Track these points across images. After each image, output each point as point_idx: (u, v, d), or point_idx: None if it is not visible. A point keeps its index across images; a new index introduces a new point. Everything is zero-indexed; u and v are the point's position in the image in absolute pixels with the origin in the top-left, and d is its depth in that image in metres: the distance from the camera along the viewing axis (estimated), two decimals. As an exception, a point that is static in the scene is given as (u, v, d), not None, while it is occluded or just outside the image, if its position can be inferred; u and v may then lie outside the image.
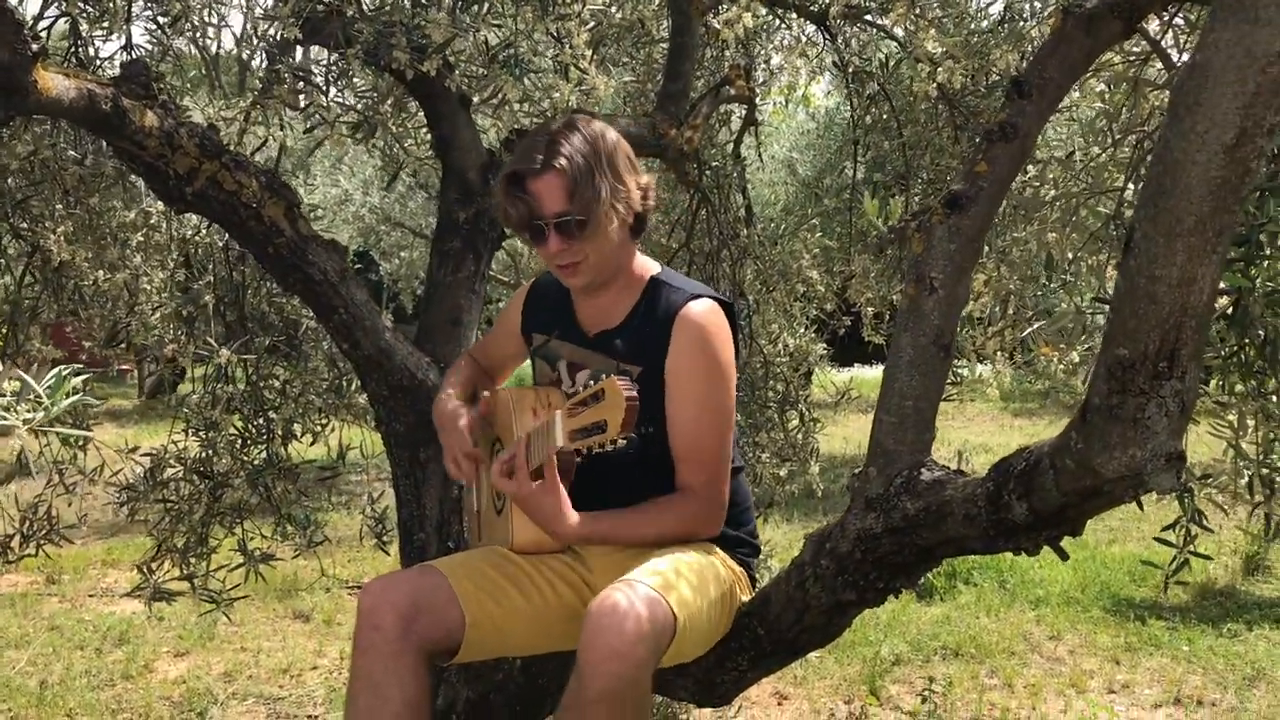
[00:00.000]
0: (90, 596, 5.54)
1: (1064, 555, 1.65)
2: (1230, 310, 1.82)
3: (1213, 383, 1.95)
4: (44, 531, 3.17)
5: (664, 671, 2.03)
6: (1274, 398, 1.94)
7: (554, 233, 1.89)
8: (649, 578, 1.73)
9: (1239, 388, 1.97)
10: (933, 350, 1.83)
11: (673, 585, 1.75)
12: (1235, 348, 1.88)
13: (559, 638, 1.98)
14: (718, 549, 2.03)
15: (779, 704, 4.06)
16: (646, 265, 2.05)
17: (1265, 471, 1.99)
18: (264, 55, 2.81)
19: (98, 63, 2.87)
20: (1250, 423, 1.98)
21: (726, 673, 2.09)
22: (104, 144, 3.03)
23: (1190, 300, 1.24)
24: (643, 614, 1.64)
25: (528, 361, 2.28)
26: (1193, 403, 1.31)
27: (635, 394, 1.64)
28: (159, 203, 3.34)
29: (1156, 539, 2.18)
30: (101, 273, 3.38)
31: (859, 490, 1.85)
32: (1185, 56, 2.00)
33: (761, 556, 2.32)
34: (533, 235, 1.92)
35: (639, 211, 1.97)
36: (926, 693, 3.89)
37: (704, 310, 1.94)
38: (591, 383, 1.73)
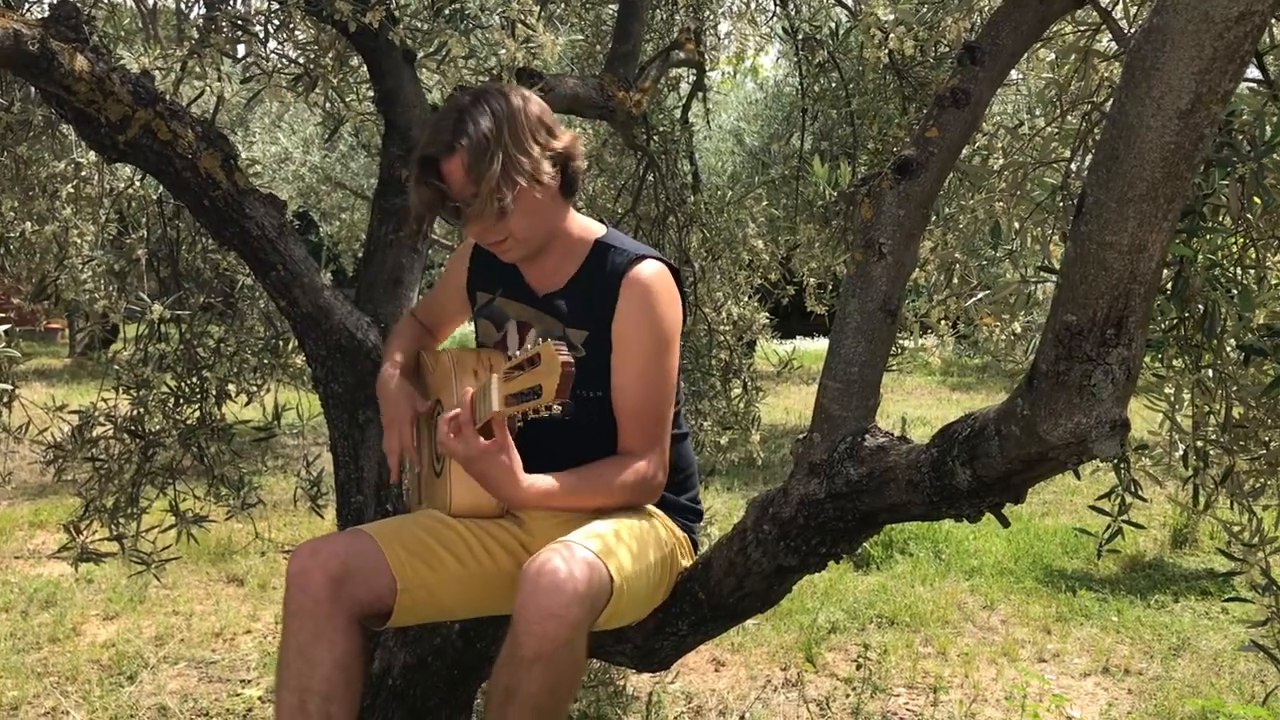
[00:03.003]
0: (16, 558, 5.42)
1: (1005, 522, 1.66)
2: (1171, 284, 1.83)
3: (1148, 356, 1.97)
4: (-33, 491, 3.08)
5: (603, 637, 2.02)
6: (1209, 372, 1.96)
7: (470, 213, 1.85)
8: (588, 540, 1.71)
9: (1176, 362, 1.98)
10: (880, 316, 1.82)
11: (611, 548, 1.73)
12: (1175, 321, 1.90)
13: (496, 603, 1.96)
14: (660, 514, 2.02)
15: (716, 670, 4.08)
16: (590, 227, 2.01)
17: (1199, 445, 2.02)
18: (201, 3, 2.73)
19: (26, 6, 2.76)
20: (1186, 396, 2.00)
21: (666, 638, 2.08)
22: (32, 91, 2.93)
23: (1140, 267, 1.24)
24: (579, 575, 1.62)
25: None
26: (1138, 370, 1.31)
27: (571, 360, 1.60)
28: (90, 154, 3.25)
29: (1092, 507, 2.21)
30: (29, 225, 3.29)
31: (803, 455, 1.84)
32: (1136, 28, 2.01)
33: (702, 523, 2.32)
34: (450, 217, 1.89)
35: (565, 174, 1.91)
36: (861, 660, 3.92)
37: (652, 272, 1.91)
38: (529, 346, 1.68)
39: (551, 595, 1.60)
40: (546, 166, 1.85)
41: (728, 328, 4.02)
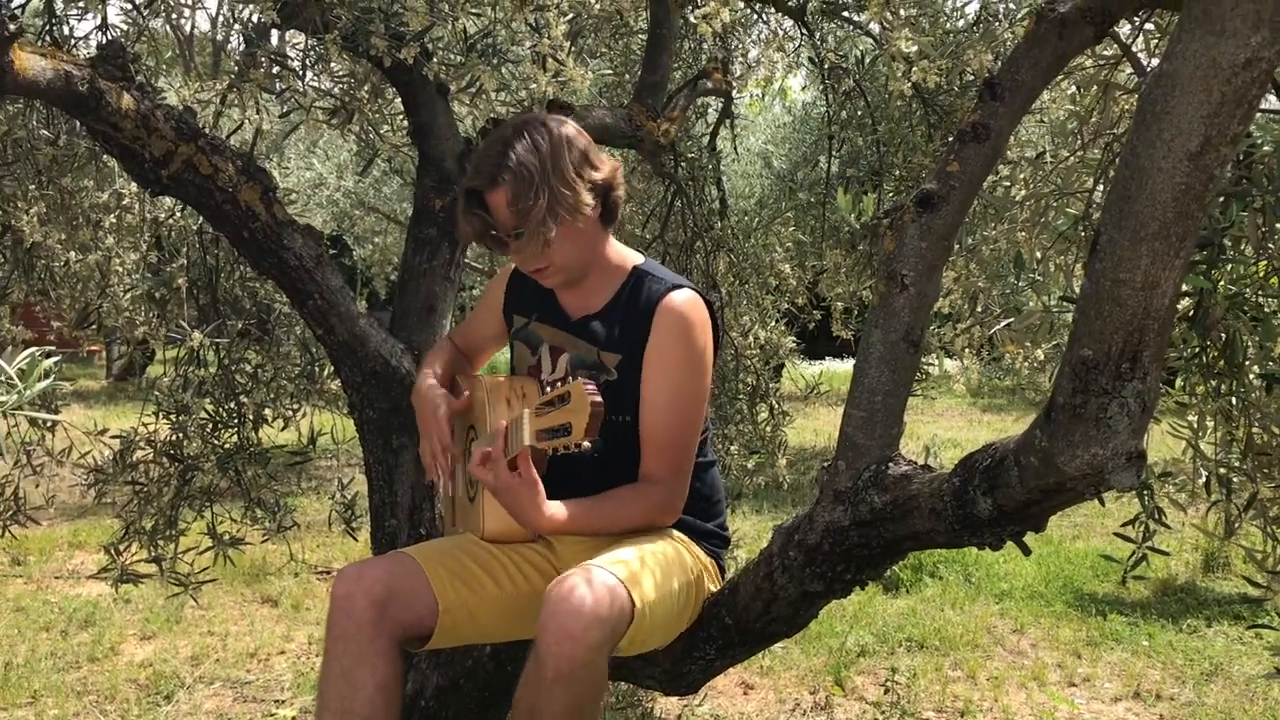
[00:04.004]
0: (56, 578, 5.51)
1: (1026, 550, 1.68)
2: (1192, 313, 1.86)
3: (1177, 383, 1.99)
4: (10, 513, 3.15)
5: (631, 660, 2.05)
6: (1232, 399, 1.98)
7: (515, 243, 1.91)
8: (611, 565, 1.75)
9: (1200, 389, 2.00)
10: (903, 346, 1.85)
11: (635, 573, 1.77)
12: (1197, 349, 1.92)
13: (530, 625, 1.99)
14: (687, 539, 2.05)
15: (745, 693, 4.10)
16: (627, 255, 2.07)
17: (1222, 471, 2.03)
18: (240, 38, 2.80)
19: (72, 42, 2.85)
20: (1209, 423, 2.02)
21: (694, 662, 2.11)
22: (77, 124, 3.01)
23: (1153, 303, 1.27)
24: (599, 598, 1.66)
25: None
26: (1154, 403, 1.34)
27: (601, 400, 1.66)
28: (132, 184, 3.33)
29: (1117, 534, 2.22)
30: (73, 254, 3.37)
31: (827, 483, 1.87)
32: (1155, 61, 2.04)
33: (729, 547, 2.35)
34: (494, 246, 1.94)
35: (605, 203, 1.97)
36: (890, 684, 3.93)
37: (685, 300, 1.96)
38: (560, 384, 1.74)
39: (571, 618, 1.64)
40: (588, 198, 1.91)
41: (755, 352, 4.05)
